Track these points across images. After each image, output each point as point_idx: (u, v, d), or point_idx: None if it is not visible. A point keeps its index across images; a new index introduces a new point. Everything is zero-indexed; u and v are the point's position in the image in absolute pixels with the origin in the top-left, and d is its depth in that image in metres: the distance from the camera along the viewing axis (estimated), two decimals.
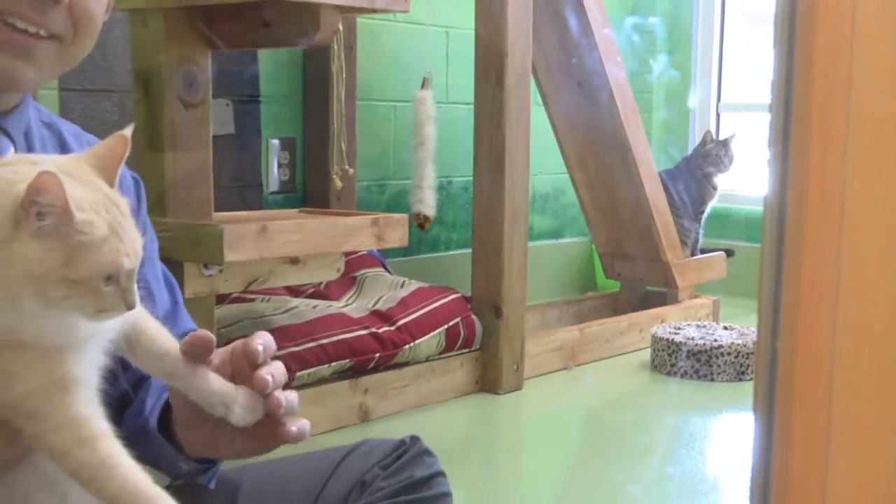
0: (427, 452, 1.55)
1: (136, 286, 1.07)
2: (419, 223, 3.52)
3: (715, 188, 4.74)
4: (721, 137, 4.84)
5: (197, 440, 1.31)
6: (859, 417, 0.65)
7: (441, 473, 1.54)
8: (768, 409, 0.65)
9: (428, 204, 3.49)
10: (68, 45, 1.31)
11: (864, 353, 0.64)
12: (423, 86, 3.59)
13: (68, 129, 1.50)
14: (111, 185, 1.09)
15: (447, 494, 1.53)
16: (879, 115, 0.62)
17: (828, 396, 0.63)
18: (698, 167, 4.70)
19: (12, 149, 1.31)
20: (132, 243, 1.06)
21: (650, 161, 4.38)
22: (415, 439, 1.55)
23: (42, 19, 1.26)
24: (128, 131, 1.12)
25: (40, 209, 0.98)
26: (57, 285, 1.02)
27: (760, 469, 0.65)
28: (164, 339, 1.18)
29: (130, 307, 1.07)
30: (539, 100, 4.25)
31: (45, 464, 1.16)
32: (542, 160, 3.84)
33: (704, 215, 4.75)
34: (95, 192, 1.05)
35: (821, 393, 0.64)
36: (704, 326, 4.04)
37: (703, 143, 4.75)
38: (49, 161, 1.08)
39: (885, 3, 0.62)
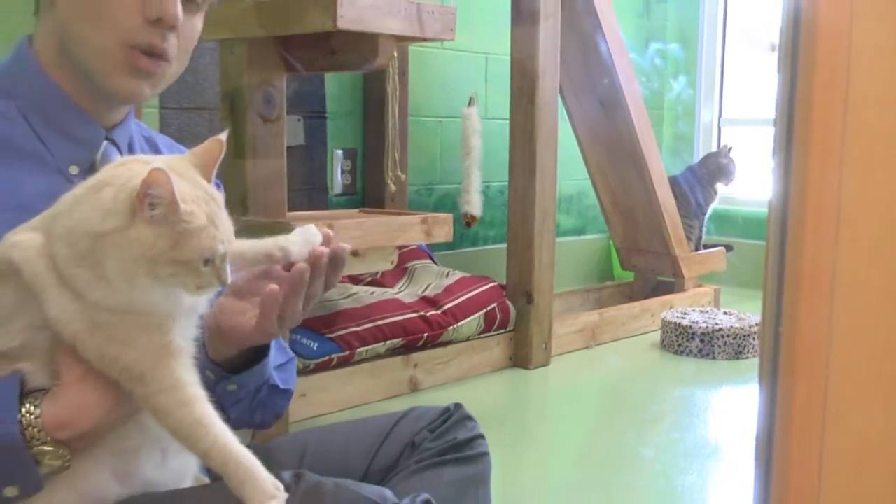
0: (469, 418, 1.54)
1: (228, 266, 1.10)
2: (467, 222, 3.53)
3: (716, 192, 4.74)
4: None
5: (224, 337, 1.32)
6: (853, 390, 0.64)
7: (481, 436, 1.53)
8: (772, 384, 0.65)
9: (475, 205, 3.50)
10: (171, 62, 1.35)
11: (857, 336, 0.64)
12: (469, 104, 3.59)
13: (162, 140, 1.54)
14: (209, 181, 1.13)
15: (486, 454, 1.53)
16: (872, 129, 0.62)
17: (825, 373, 0.63)
18: (706, 175, 4.69)
19: (118, 156, 1.33)
20: (226, 232, 1.10)
21: (661, 169, 4.36)
22: (458, 406, 1.55)
23: (164, 46, 1.30)
24: (223, 136, 1.17)
25: (152, 200, 1.02)
26: (165, 265, 1.06)
27: (764, 435, 0.65)
28: None
29: (224, 284, 1.11)
30: (565, 115, 4.22)
31: (151, 424, 1.19)
32: (567, 167, 3.86)
33: (707, 216, 4.73)
34: (196, 188, 1.09)
35: (818, 369, 0.63)
36: (707, 312, 4.03)
37: (719, 155, 4.73)
38: (158, 160, 1.11)
39: (877, 34, 0.62)
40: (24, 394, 1.14)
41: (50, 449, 1.13)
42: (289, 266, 1.23)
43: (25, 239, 1.13)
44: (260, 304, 1.23)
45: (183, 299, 1.13)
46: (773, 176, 0.67)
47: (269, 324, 1.24)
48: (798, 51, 0.63)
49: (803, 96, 0.62)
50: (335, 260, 1.22)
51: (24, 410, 1.12)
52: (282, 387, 1.48)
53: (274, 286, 1.20)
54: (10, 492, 1.12)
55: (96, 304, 1.09)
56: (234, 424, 1.44)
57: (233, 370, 1.37)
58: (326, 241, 1.22)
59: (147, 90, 1.33)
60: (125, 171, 1.09)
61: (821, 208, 0.62)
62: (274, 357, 1.44)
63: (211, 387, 1.35)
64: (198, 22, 1.39)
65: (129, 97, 1.34)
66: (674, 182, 4.61)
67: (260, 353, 1.39)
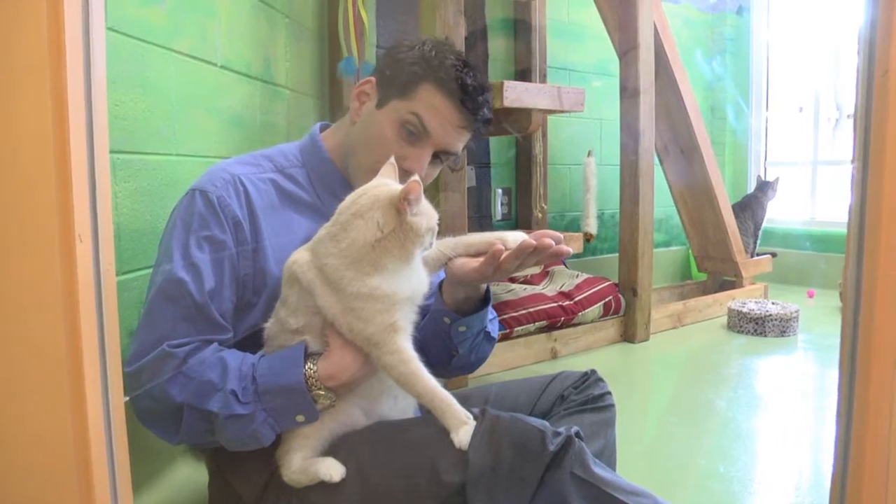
0: (601, 379, 1.54)
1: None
2: (587, 238, 3.49)
3: (765, 214, 4.59)
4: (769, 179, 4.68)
5: (455, 278, 1.36)
6: None
7: (609, 392, 1.53)
8: (851, 361, 0.63)
9: (592, 226, 3.45)
10: None
11: None
12: (588, 155, 3.55)
13: None
14: None
15: (612, 405, 1.52)
16: None
17: (894, 349, 0.61)
18: (764, 199, 4.55)
19: None
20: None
21: (726, 197, 4.23)
22: (593, 371, 1.55)
23: None
24: (393, 160, 1.27)
25: (410, 201, 1.13)
26: (427, 237, 1.17)
27: (845, 395, 0.63)
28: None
29: (431, 245, 1.22)
30: (658, 161, 4.15)
31: (385, 377, 1.23)
32: (659, 198, 3.80)
33: (760, 231, 4.59)
34: None
35: (890, 349, 0.61)
36: (760, 302, 3.89)
37: (775, 184, 4.58)
38: (375, 182, 1.22)
39: None
40: (307, 356, 1.21)
41: (323, 393, 1.20)
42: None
43: (301, 257, 1.21)
44: (487, 255, 1.26)
45: (405, 287, 1.17)
46: (851, 196, 0.63)
47: (487, 269, 1.26)
48: (871, 109, 0.60)
49: (876, 141, 0.60)
50: (541, 250, 1.23)
51: (307, 367, 1.19)
52: (492, 335, 1.52)
53: (500, 245, 1.24)
54: (300, 418, 1.21)
55: (351, 294, 1.15)
56: (455, 365, 1.49)
57: (463, 315, 1.40)
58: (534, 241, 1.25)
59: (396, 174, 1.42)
60: (370, 197, 1.17)
61: (891, 220, 0.59)
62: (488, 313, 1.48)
63: (447, 329, 1.40)
64: (436, 172, 1.45)
65: None
66: (745, 206, 4.49)
67: (480, 305, 1.42)
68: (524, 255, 1.23)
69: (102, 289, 0.71)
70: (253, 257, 1.29)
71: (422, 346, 1.42)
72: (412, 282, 1.20)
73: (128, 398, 1.10)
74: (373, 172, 1.33)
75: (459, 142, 1.40)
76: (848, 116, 4.81)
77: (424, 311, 1.39)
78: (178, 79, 1.90)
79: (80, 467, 0.67)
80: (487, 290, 1.43)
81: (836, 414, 0.66)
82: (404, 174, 1.36)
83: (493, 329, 1.52)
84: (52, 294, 0.69)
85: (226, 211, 1.26)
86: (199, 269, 1.22)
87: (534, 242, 1.22)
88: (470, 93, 1.35)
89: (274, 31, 2.55)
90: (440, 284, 1.43)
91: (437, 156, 1.40)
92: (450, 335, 1.42)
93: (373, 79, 1.43)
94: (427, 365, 1.44)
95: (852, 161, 0.64)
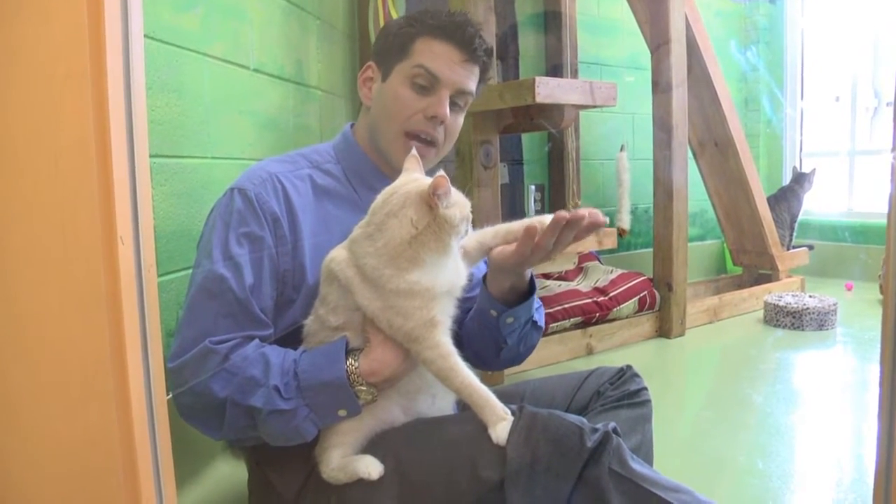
0: (637, 375, 1.54)
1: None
2: (620, 233, 3.47)
3: (801, 206, 4.52)
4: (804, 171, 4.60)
5: (501, 282, 1.37)
6: None
7: (645, 388, 1.52)
8: (893, 355, 0.62)
9: (625, 221, 3.43)
10: (440, 147, 1.42)
11: None
12: (621, 150, 3.53)
13: None
14: None
15: (649, 401, 1.51)
16: None
17: None
18: (800, 191, 4.48)
19: None
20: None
21: (761, 191, 4.19)
22: (629, 367, 1.55)
23: (434, 134, 1.40)
24: (414, 152, 1.28)
25: (439, 195, 1.14)
26: (462, 226, 1.18)
27: (888, 388, 0.62)
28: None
29: (466, 233, 1.23)
30: (692, 155, 4.11)
31: (424, 373, 1.24)
32: (693, 192, 3.76)
33: (796, 223, 4.52)
34: None
35: None
36: (797, 295, 3.84)
37: (811, 175, 4.51)
38: (404, 179, 1.23)
39: None
40: (348, 352, 1.22)
41: (364, 388, 1.22)
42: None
43: (338, 254, 1.23)
44: (522, 235, 1.26)
45: (444, 281, 1.18)
46: (891, 185, 0.62)
47: (525, 249, 1.26)
48: None
49: None
50: (574, 222, 1.22)
51: (348, 363, 1.21)
52: (539, 323, 1.52)
53: (534, 224, 1.24)
54: (342, 413, 1.22)
55: (391, 290, 1.16)
56: (505, 357, 1.49)
57: (510, 306, 1.41)
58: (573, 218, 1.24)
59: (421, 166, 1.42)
60: (401, 196, 1.18)
61: None
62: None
63: (494, 323, 1.41)
64: (460, 118, 1.46)
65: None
66: (781, 198, 4.43)
67: (525, 295, 1.42)
68: (558, 229, 1.22)
69: (144, 289, 0.73)
70: (292, 253, 1.31)
71: (470, 340, 1.44)
72: (450, 274, 1.21)
73: (169, 396, 1.12)
74: (402, 137, 1.38)
75: (469, 79, 1.43)
76: (888, 104, 4.72)
77: (465, 306, 1.39)
78: (212, 83, 1.92)
79: (126, 465, 0.68)
80: (532, 279, 1.43)
81: (879, 408, 0.65)
82: (433, 123, 1.40)
83: (540, 318, 1.52)
84: (96, 295, 0.71)
85: (264, 207, 1.29)
86: (240, 265, 1.24)
87: (567, 214, 1.22)
88: (460, 26, 1.40)
89: (305, 33, 2.57)
90: (484, 277, 1.43)
91: (456, 102, 1.44)
92: (498, 327, 1.42)
93: (371, 63, 1.48)
94: (477, 358, 1.46)
95: (892, 150, 0.63)
